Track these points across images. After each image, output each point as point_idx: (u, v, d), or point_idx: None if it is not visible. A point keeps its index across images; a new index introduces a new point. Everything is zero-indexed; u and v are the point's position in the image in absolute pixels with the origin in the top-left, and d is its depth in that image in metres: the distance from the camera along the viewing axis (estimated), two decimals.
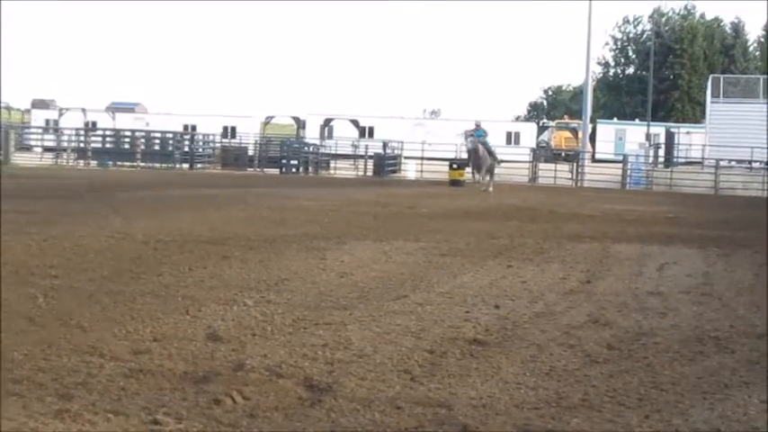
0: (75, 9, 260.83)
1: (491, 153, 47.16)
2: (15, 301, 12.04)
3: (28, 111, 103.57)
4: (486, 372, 9.23)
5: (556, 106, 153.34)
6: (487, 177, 46.86)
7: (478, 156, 45.68)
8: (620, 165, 66.13)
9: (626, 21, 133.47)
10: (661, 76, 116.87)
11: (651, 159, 71.06)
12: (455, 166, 58.04)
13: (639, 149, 73.80)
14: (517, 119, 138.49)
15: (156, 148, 72.38)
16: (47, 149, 75.95)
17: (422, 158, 67.44)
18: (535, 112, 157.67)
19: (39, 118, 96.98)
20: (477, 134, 47.38)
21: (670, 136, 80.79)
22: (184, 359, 9.22)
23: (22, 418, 7.21)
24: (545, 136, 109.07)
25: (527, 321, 12.01)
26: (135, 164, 67.67)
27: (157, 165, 67.10)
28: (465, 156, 50.79)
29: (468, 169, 48.80)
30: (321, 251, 18.53)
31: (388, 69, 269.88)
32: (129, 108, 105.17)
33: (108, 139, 74.68)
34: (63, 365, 8.81)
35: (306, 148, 74.93)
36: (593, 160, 77.04)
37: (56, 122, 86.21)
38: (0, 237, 15.12)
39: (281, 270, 15.74)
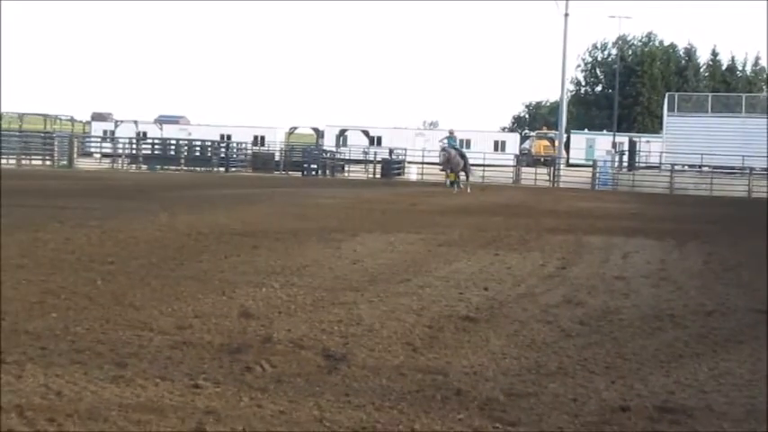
0: (132, 36, 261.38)
1: (463, 156, 46.72)
2: (78, 283, 12.03)
3: (89, 122, 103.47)
4: (477, 344, 9.21)
5: (536, 119, 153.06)
6: (463, 178, 46.36)
7: (451, 162, 45.25)
8: (591, 169, 66.22)
9: (595, 46, 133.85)
10: (625, 94, 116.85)
11: (616, 164, 71.12)
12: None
13: (607, 156, 74.11)
14: (503, 129, 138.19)
15: (197, 154, 72.37)
16: (104, 156, 75.87)
17: (422, 163, 67.40)
18: (518, 123, 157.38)
19: (98, 129, 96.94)
20: (450, 141, 47.08)
21: (633, 144, 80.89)
22: (221, 333, 9.21)
23: (84, 383, 7.20)
24: (526, 144, 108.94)
25: (511, 301, 11.99)
26: (179, 168, 67.67)
27: (198, 169, 67.09)
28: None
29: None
30: (337, 242, 18.50)
31: (395, 88, 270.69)
32: (174, 120, 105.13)
33: (156, 146, 74.68)
34: (118, 338, 8.81)
35: (324, 154, 74.87)
36: (568, 165, 77.10)
37: (112, 132, 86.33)
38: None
39: (303, 258, 15.72)
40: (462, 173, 46.50)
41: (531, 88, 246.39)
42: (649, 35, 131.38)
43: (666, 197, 53.82)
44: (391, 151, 74.46)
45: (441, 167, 48.08)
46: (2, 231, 17.66)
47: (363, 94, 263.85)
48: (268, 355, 8.27)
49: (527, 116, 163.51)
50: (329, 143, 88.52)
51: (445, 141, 47.18)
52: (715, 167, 67.72)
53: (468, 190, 43.82)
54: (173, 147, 73.96)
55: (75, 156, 68.25)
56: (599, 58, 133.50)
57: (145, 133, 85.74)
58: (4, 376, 7.33)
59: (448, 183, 46.06)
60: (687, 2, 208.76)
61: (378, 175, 66.77)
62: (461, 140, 76.54)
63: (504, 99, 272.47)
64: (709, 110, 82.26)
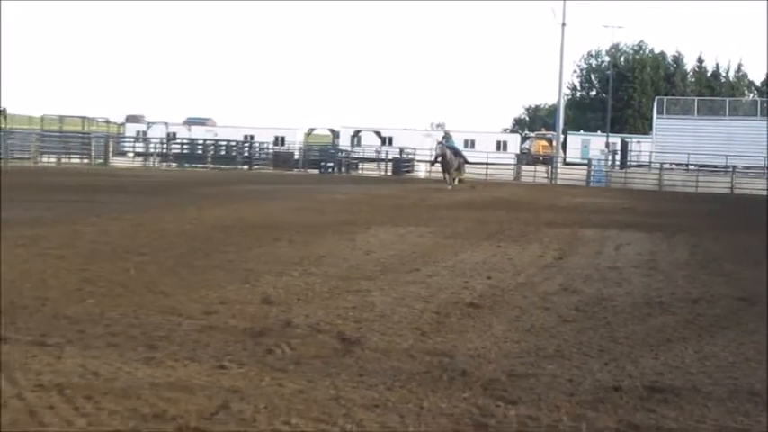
0: (164, 44, 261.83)
1: (458, 154, 46.08)
2: (113, 272, 12.05)
3: (123, 124, 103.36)
4: (481, 329, 9.20)
5: (535, 121, 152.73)
6: (456, 175, 45.70)
7: (446, 159, 44.63)
8: (586, 167, 66.09)
9: (590, 54, 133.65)
10: (617, 98, 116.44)
11: (610, 163, 71.04)
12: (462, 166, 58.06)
13: (600, 155, 74.05)
14: (504, 131, 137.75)
15: (223, 153, 72.49)
16: (137, 155, 75.94)
17: (430, 162, 67.37)
18: (518, 125, 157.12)
19: (131, 130, 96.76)
20: (447, 141, 46.32)
21: (624, 144, 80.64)
22: (244, 318, 9.22)
23: (118, 364, 7.21)
24: (526, 144, 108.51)
25: (512, 289, 11.99)
26: (206, 166, 67.72)
27: (223, 167, 67.10)
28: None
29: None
30: (351, 234, 18.50)
31: (405, 92, 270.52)
32: (201, 122, 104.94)
33: (185, 146, 74.70)
34: (150, 322, 8.82)
35: (339, 154, 74.84)
36: (565, 163, 76.90)
37: (144, 133, 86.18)
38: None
39: (320, 249, 15.72)
40: (456, 171, 45.87)
41: (531, 92, 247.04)
42: (640, 44, 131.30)
43: (656, 193, 53.76)
44: (401, 151, 74.33)
45: (436, 160, 47.65)
46: (42, 224, 17.75)
47: (376, 99, 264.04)
48: (288, 339, 8.27)
49: (527, 118, 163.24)
50: (344, 143, 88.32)
51: (443, 141, 46.62)
52: (700, 166, 67.69)
53: (456, 183, 43.33)
54: (200, 146, 74.02)
55: (110, 155, 68.47)
56: (593, 65, 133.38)
57: (175, 134, 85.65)
58: (45, 357, 7.35)
59: (446, 178, 45.32)
60: (675, 12, 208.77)
61: (389, 173, 66.75)
62: (466, 140, 76.48)
63: (505, 102, 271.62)
64: (696, 113, 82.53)
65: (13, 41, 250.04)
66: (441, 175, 46.78)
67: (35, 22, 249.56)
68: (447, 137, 46.99)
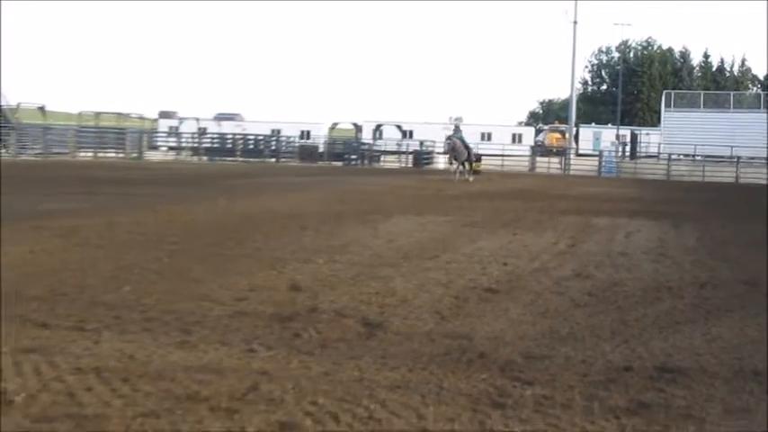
0: (196, 43, 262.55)
1: (467, 147, 45.12)
2: (147, 260, 12.09)
3: (156, 119, 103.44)
4: (497, 313, 9.20)
5: (549, 114, 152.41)
6: (466, 167, 44.72)
7: (456, 151, 43.68)
8: (597, 158, 65.88)
9: (600, 50, 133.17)
10: (627, 92, 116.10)
11: (620, 154, 70.81)
12: (474, 159, 57.95)
13: (611, 146, 73.71)
14: (520, 124, 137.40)
15: (251, 147, 72.46)
16: (170, 148, 76.06)
17: (475, 154, 67.22)
18: (533, 118, 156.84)
19: (164, 125, 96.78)
20: (457, 134, 45.15)
21: (634, 136, 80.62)
22: (273, 304, 9.23)
23: (153, 348, 7.24)
24: (541, 137, 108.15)
25: (528, 275, 11.98)
26: (235, 159, 67.80)
27: (252, 160, 67.15)
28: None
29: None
30: (374, 223, 18.50)
31: (425, 87, 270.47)
32: (230, 117, 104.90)
33: (215, 140, 74.80)
34: (183, 308, 8.84)
35: (362, 147, 74.78)
36: (577, 155, 76.58)
37: (176, 128, 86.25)
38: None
39: (344, 237, 15.73)
40: (466, 162, 44.89)
41: (545, 87, 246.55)
42: (648, 40, 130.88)
43: (664, 183, 53.55)
44: (422, 143, 74.18)
45: (447, 157, 46.92)
46: (80, 216, 17.81)
47: (397, 94, 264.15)
48: (314, 323, 8.29)
49: (541, 112, 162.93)
50: (367, 136, 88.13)
51: (453, 133, 45.66)
52: (707, 156, 67.42)
53: (471, 179, 42.66)
54: (230, 140, 74.03)
55: (144, 149, 68.58)
56: (604, 61, 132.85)
57: (205, 129, 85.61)
58: (83, 342, 7.38)
59: (455, 168, 44.37)
60: (682, 10, 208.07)
61: (410, 165, 66.67)
62: (483, 133, 76.27)
63: (520, 97, 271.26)
64: (702, 106, 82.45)
65: (52, 42, 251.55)
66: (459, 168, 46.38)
67: (73, 24, 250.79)
68: (457, 130, 45.90)
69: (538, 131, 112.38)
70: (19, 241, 13.55)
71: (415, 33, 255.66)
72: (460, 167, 43.43)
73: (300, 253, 13.42)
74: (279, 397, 5.96)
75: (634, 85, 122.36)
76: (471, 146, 46.16)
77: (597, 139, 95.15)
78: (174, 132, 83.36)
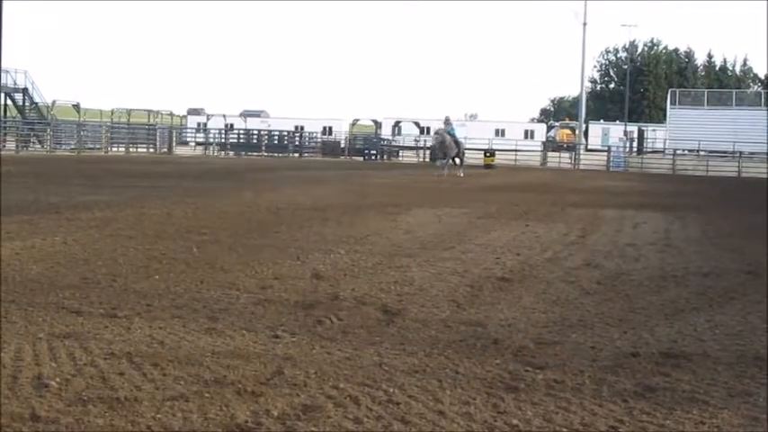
0: (224, 43, 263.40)
1: (457, 143, 43.32)
2: (177, 250, 12.10)
3: (185, 116, 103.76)
4: (511, 301, 9.18)
5: (560, 111, 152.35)
6: (457, 162, 41.78)
7: (445, 146, 41.65)
8: (606, 153, 65.76)
9: (608, 50, 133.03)
10: (634, 90, 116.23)
11: (627, 149, 70.61)
12: (488, 154, 57.99)
13: (619, 142, 73.52)
14: (532, 120, 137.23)
15: (276, 142, 72.55)
16: (198, 144, 76.33)
17: (464, 149, 67.16)
18: (545, 115, 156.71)
19: (192, 121, 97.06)
20: (448, 128, 43.37)
21: (641, 132, 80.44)
22: (296, 292, 9.22)
23: (182, 334, 7.24)
24: (552, 133, 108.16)
25: (539, 265, 11.94)
26: (260, 154, 67.91)
27: (276, 154, 67.28)
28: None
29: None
30: (393, 215, 18.50)
31: (441, 85, 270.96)
32: (256, 114, 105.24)
33: (241, 136, 74.99)
34: (210, 296, 8.84)
35: (382, 142, 74.81)
36: (587, 150, 76.42)
37: (205, 125, 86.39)
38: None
39: (365, 228, 15.72)
40: (456, 158, 42.88)
41: (556, 85, 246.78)
42: (654, 41, 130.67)
43: (670, 177, 53.44)
44: None
45: (431, 154, 44.79)
46: (112, 207, 17.86)
47: (415, 92, 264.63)
48: (336, 311, 8.27)
49: (552, 109, 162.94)
50: (386, 133, 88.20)
51: (443, 127, 43.65)
52: (710, 152, 67.32)
53: (461, 174, 40.88)
54: (255, 136, 74.18)
55: (173, 144, 68.80)
56: (612, 60, 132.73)
57: (232, 125, 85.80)
58: (116, 328, 7.39)
59: (442, 166, 41.83)
60: (687, 12, 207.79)
61: (427, 160, 66.66)
62: (497, 129, 76.11)
63: (532, 94, 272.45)
64: (705, 103, 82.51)
65: (87, 42, 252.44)
66: (473, 161, 45.91)
67: (107, 25, 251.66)
68: (447, 123, 43.87)
69: (549, 128, 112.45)
70: (53, 232, 13.59)
71: (434, 35, 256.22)
72: (449, 163, 41.28)
73: (323, 243, 13.42)
74: (302, 381, 5.95)
75: (641, 83, 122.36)
76: (461, 141, 44.39)
77: (606, 135, 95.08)
78: (202, 128, 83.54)
